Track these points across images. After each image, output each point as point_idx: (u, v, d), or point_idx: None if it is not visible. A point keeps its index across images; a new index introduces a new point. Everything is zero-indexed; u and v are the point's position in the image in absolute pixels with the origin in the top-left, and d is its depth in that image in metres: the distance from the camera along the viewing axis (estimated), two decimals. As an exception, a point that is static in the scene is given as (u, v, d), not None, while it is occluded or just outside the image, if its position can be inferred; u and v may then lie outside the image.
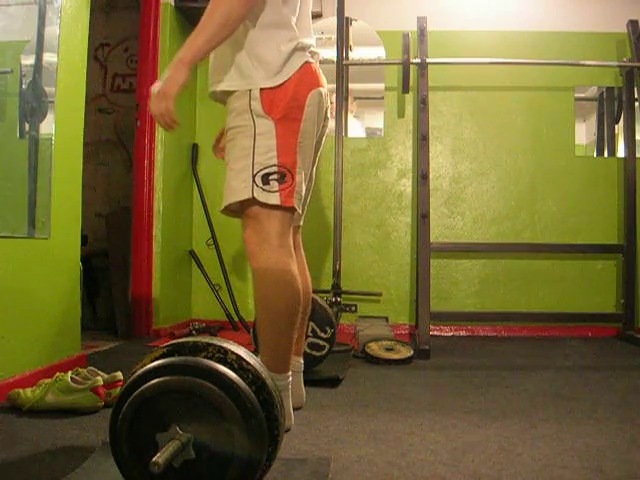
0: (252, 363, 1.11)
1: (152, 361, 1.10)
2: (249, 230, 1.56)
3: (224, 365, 1.08)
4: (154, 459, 0.95)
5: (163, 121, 1.48)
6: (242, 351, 1.14)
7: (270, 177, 1.51)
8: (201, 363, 1.06)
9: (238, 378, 1.06)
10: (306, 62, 1.58)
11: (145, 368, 1.08)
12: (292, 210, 1.57)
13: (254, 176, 1.51)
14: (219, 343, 1.12)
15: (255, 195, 1.51)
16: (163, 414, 1.04)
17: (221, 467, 1.02)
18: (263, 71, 1.52)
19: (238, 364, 1.09)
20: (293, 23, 1.57)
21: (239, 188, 1.52)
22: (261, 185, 1.51)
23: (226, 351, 1.10)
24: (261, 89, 1.52)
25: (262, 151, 1.52)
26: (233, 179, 1.55)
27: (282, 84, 1.53)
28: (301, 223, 1.78)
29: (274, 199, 1.52)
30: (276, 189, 1.52)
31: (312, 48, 1.62)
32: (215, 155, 1.83)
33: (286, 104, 1.53)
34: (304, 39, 1.59)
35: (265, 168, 1.51)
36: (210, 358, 1.09)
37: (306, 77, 1.57)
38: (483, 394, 2.04)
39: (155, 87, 1.47)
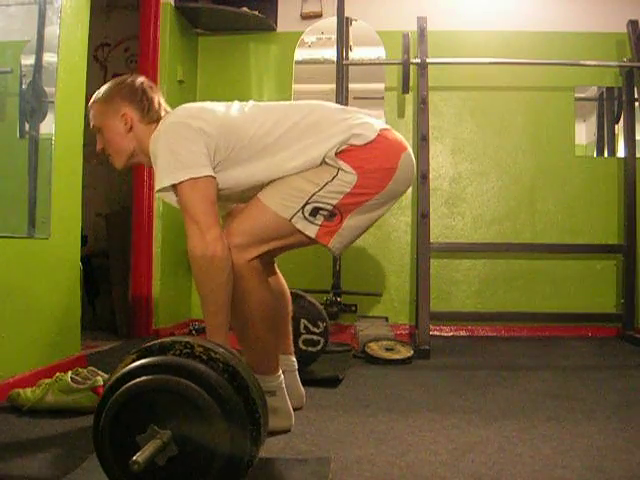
0: (220, 352, 1.13)
1: (123, 368, 1.12)
2: (238, 228, 1.49)
3: (193, 359, 1.10)
4: (134, 458, 0.96)
5: None
6: (208, 343, 1.16)
7: (320, 211, 1.50)
8: (169, 361, 1.09)
9: (207, 368, 1.08)
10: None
11: (116, 376, 1.10)
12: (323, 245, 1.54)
13: (305, 204, 1.49)
14: (185, 339, 1.15)
15: (293, 221, 1.49)
16: (140, 417, 1.05)
17: (206, 457, 1.03)
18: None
19: (207, 355, 1.11)
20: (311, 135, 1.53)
21: (282, 204, 1.49)
22: (307, 215, 1.50)
23: (192, 345, 1.12)
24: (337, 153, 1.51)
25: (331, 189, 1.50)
26: (284, 192, 1.51)
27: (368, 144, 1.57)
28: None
29: (311, 231, 1.51)
30: (319, 223, 1.51)
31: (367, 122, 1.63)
32: None
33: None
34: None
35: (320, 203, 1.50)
36: (179, 355, 1.11)
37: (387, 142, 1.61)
38: (483, 394, 2.04)
39: None
